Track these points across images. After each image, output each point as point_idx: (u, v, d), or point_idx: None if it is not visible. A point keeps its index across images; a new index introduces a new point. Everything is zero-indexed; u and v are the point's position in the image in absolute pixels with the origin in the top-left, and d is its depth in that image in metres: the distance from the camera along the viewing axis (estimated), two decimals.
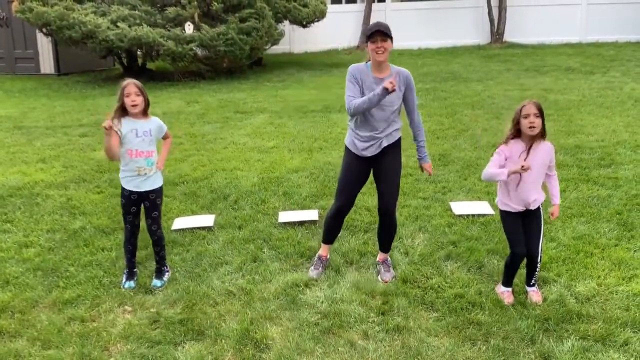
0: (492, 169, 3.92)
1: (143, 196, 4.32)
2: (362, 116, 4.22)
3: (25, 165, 7.64)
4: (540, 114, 3.80)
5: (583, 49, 17.80)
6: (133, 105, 4.14)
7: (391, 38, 4.11)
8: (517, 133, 3.90)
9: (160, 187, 4.39)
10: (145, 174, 4.24)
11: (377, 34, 4.06)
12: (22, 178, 7.07)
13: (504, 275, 4.18)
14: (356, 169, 4.38)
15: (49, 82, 15.93)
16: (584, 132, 8.32)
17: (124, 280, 4.47)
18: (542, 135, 3.88)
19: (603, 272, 4.40)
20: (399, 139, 4.37)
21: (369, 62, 4.25)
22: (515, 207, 3.98)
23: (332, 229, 4.61)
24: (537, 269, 4.11)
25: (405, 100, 4.30)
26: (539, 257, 4.08)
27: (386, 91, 3.93)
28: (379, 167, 4.34)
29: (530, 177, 3.88)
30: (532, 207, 3.97)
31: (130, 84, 4.15)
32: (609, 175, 6.50)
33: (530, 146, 3.87)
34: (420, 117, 4.42)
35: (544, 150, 3.92)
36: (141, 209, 4.40)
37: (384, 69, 4.21)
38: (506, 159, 3.92)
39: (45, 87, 14.99)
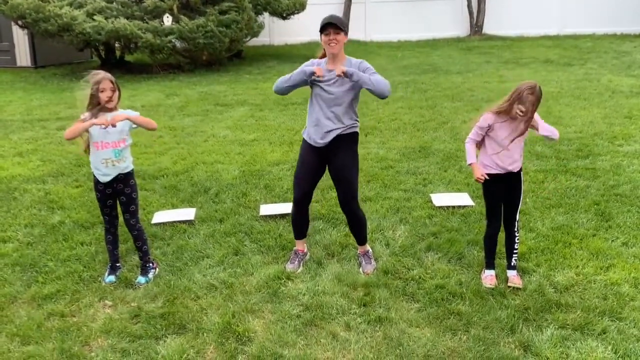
0: (470, 145, 4.13)
1: (118, 191, 4.28)
2: (317, 105, 4.26)
3: (2, 159, 7.53)
4: (537, 103, 3.85)
5: (561, 41, 17.96)
6: (108, 101, 4.11)
7: (345, 31, 4.14)
8: (509, 109, 3.91)
9: (133, 178, 4.33)
10: (114, 165, 4.20)
11: (330, 26, 4.10)
12: None
13: (485, 254, 4.30)
14: (309, 161, 4.39)
15: (26, 75, 15.70)
16: (562, 123, 8.40)
17: (105, 274, 4.43)
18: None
19: (581, 262, 4.46)
20: (355, 133, 4.34)
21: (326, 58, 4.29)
22: (494, 169, 4.05)
23: (296, 223, 4.61)
24: (516, 246, 4.20)
25: None
26: (516, 229, 4.18)
27: (312, 74, 4.09)
28: (332, 164, 4.34)
29: (511, 148, 3.99)
30: (512, 169, 4.02)
31: (106, 80, 4.10)
32: (587, 166, 6.58)
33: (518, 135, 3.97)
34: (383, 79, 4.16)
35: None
36: (117, 203, 4.37)
37: (338, 61, 4.21)
38: (489, 128, 4.02)
39: (22, 80, 14.77)
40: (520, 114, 3.84)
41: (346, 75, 4.00)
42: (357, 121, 4.35)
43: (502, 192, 4.13)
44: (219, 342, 3.60)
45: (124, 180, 4.27)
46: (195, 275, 4.42)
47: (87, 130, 4.13)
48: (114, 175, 4.23)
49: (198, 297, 4.12)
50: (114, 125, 4.06)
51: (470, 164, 4.15)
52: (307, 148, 4.39)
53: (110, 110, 4.15)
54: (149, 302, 4.08)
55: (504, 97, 3.98)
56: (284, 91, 4.34)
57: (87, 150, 4.28)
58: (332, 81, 4.20)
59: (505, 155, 4.01)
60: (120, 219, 4.44)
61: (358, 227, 4.52)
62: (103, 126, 4.03)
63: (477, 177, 4.09)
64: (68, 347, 3.57)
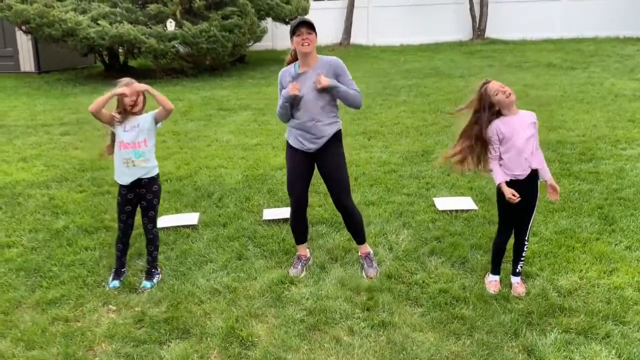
0: (494, 164, 4.03)
1: (140, 196, 4.31)
2: (296, 110, 4.28)
3: (6, 165, 7.56)
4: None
5: (563, 44, 17.95)
6: (133, 106, 4.15)
7: (316, 32, 4.17)
8: (496, 113, 3.97)
9: (157, 184, 4.36)
10: (135, 165, 4.21)
11: (303, 26, 4.13)
12: (3, 178, 6.99)
13: (492, 261, 4.27)
14: (298, 165, 4.41)
15: (29, 81, 15.75)
16: (565, 127, 8.40)
17: (110, 279, 4.44)
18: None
19: (585, 265, 4.45)
20: (338, 131, 4.35)
21: (297, 62, 4.32)
22: (521, 172, 3.96)
23: (295, 228, 4.62)
24: (524, 253, 4.17)
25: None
26: (527, 238, 4.14)
27: (291, 97, 4.14)
28: (321, 164, 4.36)
29: (523, 148, 3.94)
30: (534, 166, 3.96)
31: (129, 85, 4.15)
32: (590, 170, 6.57)
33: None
34: (359, 94, 4.29)
35: (525, 118, 3.99)
36: (136, 210, 4.39)
37: (311, 61, 4.24)
38: (502, 139, 3.96)
39: (26, 86, 14.82)
40: (506, 96, 3.88)
41: (328, 89, 4.08)
42: (338, 116, 4.36)
43: (512, 206, 4.03)
44: (223, 347, 3.60)
45: (147, 186, 4.30)
46: (199, 279, 4.43)
47: (112, 129, 4.22)
48: (134, 179, 4.24)
49: (202, 302, 4.13)
50: (133, 95, 4.14)
51: (498, 185, 4.00)
52: (294, 153, 4.41)
53: (136, 114, 4.20)
54: (152, 306, 4.09)
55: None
56: (286, 120, 4.40)
57: (108, 150, 4.34)
58: (304, 87, 4.21)
59: (527, 154, 3.94)
60: (135, 227, 4.47)
61: (354, 224, 4.53)
62: (127, 97, 4.13)
63: (508, 197, 3.92)
64: (72, 352, 3.58)
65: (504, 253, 4.26)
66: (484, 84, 3.96)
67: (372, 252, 4.64)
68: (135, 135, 4.19)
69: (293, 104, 4.26)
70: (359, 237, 4.58)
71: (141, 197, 4.32)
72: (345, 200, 4.42)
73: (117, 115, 4.18)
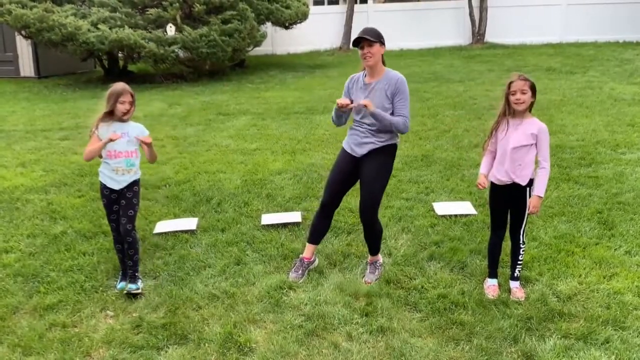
0: (485, 156, 4.16)
1: (121, 194, 4.29)
2: (354, 115, 4.37)
3: (5, 170, 7.55)
4: (531, 89, 3.89)
5: (563, 49, 17.98)
6: (125, 113, 4.16)
7: (380, 42, 4.15)
8: (509, 108, 3.99)
9: (137, 185, 4.34)
10: (124, 174, 4.22)
11: (362, 40, 4.15)
12: (1, 183, 6.98)
13: (488, 263, 4.29)
14: (342, 167, 4.41)
15: (29, 85, 15.77)
16: (565, 131, 8.40)
17: (118, 281, 4.46)
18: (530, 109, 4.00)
19: (584, 270, 4.44)
20: (390, 146, 4.32)
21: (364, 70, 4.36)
22: (501, 178, 4.03)
23: (315, 226, 4.59)
24: (520, 257, 4.17)
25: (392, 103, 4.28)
26: (522, 240, 4.14)
27: (339, 109, 4.19)
28: (363, 170, 4.32)
29: (511, 153, 3.96)
30: (517, 180, 3.98)
31: (126, 93, 4.16)
32: (590, 174, 6.56)
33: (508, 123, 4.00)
34: (403, 120, 4.25)
35: (526, 127, 3.97)
36: None
37: (376, 73, 4.26)
38: (495, 140, 4.08)
39: (25, 90, 14.83)
40: (515, 101, 3.89)
41: (371, 113, 4.11)
42: (394, 134, 4.33)
43: (505, 200, 4.10)
44: (221, 353, 3.59)
45: (128, 185, 4.29)
46: (197, 285, 4.41)
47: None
48: (123, 185, 4.24)
49: (200, 307, 4.11)
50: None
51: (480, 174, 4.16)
52: (342, 154, 4.45)
53: (124, 122, 4.21)
54: (150, 312, 4.08)
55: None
56: (339, 125, 4.47)
57: (91, 159, 4.29)
58: (359, 98, 4.26)
59: (511, 163, 3.97)
60: None
61: (372, 238, 4.50)
62: (121, 105, 4.14)
63: (477, 182, 4.13)
64: (69, 358, 3.57)
65: (499, 255, 4.27)
66: (518, 79, 3.91)
67: (380, 261, 4.61)
68: (126, 144, 4.20)
69: (353, 111, 4.35)
70: (372, 249, 4.55)
71: (121, 195, 4.30)
72: (369, 212, 4.35)
73: (99, 127, 4.18)
